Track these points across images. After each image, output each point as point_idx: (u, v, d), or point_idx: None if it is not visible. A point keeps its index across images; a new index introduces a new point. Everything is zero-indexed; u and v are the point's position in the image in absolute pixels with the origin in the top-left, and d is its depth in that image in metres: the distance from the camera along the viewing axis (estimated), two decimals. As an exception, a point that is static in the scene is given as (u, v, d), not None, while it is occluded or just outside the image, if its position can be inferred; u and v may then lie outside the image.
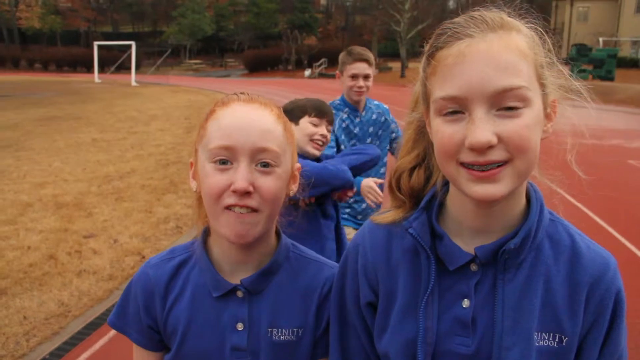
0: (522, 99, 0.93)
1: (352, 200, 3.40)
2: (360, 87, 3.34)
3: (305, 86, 33.50)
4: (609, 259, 1.06)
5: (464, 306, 1.05)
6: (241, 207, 1.12)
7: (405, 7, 43.64)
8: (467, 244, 1.06)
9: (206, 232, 1.29)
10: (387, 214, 1.18)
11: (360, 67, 3.32)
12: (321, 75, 47.35)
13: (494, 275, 1.04)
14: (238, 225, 1.13)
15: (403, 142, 1.21)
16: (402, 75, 39.72)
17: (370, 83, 3.38)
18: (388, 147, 3.67)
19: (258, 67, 56.14)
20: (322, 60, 50.53)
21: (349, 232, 3.19)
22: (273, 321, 1.24)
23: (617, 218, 6.87)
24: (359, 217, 3.53)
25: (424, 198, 1.13)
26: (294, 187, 1.28)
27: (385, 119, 3.59)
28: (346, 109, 3.44)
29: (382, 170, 3.61)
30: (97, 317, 4.32)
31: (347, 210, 3.52)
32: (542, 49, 1.00)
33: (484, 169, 0.93)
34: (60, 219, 6.76)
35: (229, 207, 1.13)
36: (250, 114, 1.16)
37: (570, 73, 1.06)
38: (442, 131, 0.97)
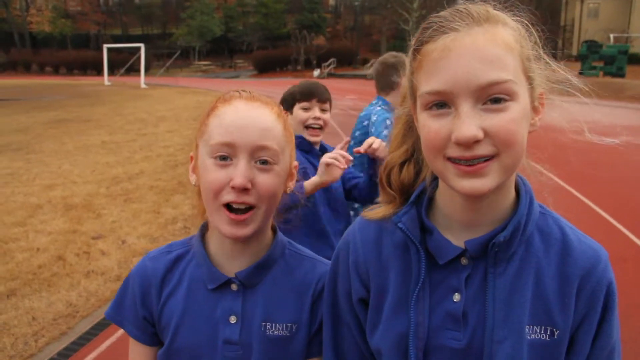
0: (509, 93, 0.92)
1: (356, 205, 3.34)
2: None
3: (314, 86, 33.42)
4: (600, 251, 1.06)
5: (455, 300, 1.05)
6: (239, 203, 1.14)
7: (414, 6, 43.58)
8: (457, 238, 1.06)
9: (204, 227, 1.32)
10: (378, 210, 1.18)
11: None
12: (330, 75, 47.25)
13: (485, 269, 1.04)
14: (234, 223, 1.16)
15: (392, 137, 1.21)
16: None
17: None
18: None
19: (267, 67, 56.20)
20: (331, 60, 50.43)
21: None
22: (267, 315, 1.25)
23: (627, 214, 6.81)
24: None
25: (414, 193, 1.13)
26: (291, 185, 1.30)
27: None
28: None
29: None
30: (105, 318, 4.33)
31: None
32: (528, 42, 0.99)
33: (470, 164, 0.93)
34: (69, 221, 6.81)
35: (227, 205, 1.15)
36: (251, 112, 1.19)
37: (560, 66, 1.05)
38: (429, 126, 0.96)
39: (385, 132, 3.15)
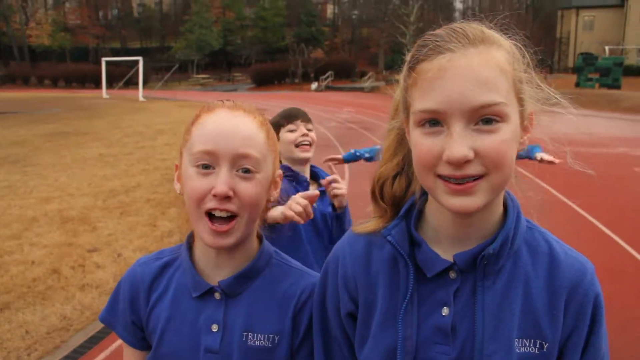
0: (500, 115, 0.94)
1: None
2: None
3: (312, 99, 33.66)
4: (586, 264, 1.06)
5: (444, 314, 1.05)
6: (221, 210, 1.15)
7: (411, 19, 43.91)
8: (446, 252, 1.06)
9: (192, 235, 1.33)
10: (368, 224, 1.18)
11: None
12: (328, 88, 47.48)
13: (473, 283, 1.04)
14: (216, 233, 1.16)
15: (384, 149, 1.21)
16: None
17: None
18: None
19: (265, 80, 56.47)
20: (329, 73, 50.68)
21: None
22: (248, 325, 1.24)
23: (624, 226, 6.82)
24: None
25: (404, 206, 1.14)
26: (275, 194, 1.30)
27: None
28: None
29: None
30: (99, 331, 4.31)
31: None
32: (521, 64, 1.01)
33: (460, 182, 0.95)
34: (65, 234, 6.79)
35: (209, 212, 1.15)
36: (233, 121, 1.19)
37: (549, 88, 1.06)
38: (421, 143, 0.98)
39: None
